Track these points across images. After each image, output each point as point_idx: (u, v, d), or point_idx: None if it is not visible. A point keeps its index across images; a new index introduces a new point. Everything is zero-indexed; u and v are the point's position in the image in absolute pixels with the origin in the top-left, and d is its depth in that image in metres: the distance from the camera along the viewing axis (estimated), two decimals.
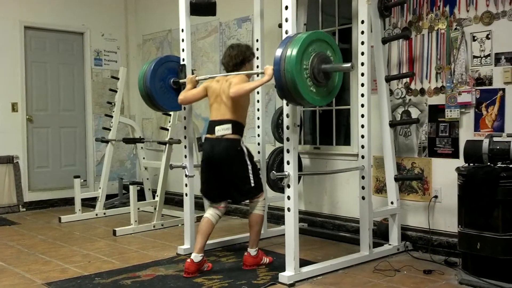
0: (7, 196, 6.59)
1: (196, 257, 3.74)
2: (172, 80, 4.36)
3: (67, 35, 7.21)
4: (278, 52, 3.22)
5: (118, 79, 6.43)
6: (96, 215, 6.21)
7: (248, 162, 3.81)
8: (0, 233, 5.36)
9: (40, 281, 3.67)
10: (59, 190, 7.03)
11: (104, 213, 6.29)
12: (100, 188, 6.34)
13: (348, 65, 3.29)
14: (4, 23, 6.59)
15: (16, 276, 3.81)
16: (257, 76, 3.94)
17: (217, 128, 3.77)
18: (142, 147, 6.67)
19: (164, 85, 4.36)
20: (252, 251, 3.91)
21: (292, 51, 3.16)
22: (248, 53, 3.94)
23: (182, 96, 4.08)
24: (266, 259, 3.99)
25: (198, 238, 3.81)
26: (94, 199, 6.41)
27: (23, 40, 6.77)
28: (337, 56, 3.45)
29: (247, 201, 3.96)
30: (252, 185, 3.81)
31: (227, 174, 3.81)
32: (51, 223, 5.91)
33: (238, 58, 3.86)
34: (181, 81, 4.29)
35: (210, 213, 3.91)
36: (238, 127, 3.80)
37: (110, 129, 6.42)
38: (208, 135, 3.85)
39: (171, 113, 5.71)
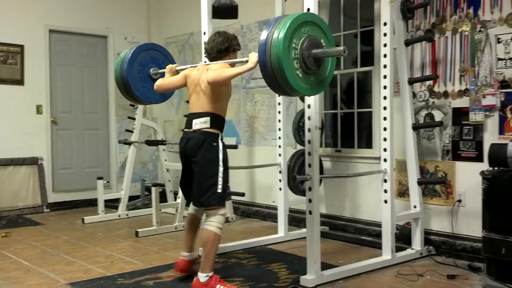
0: (31, 197, 6.70)
1: (187, 256, 3.71)
2: (151, 70, 4.09)
3: (91, 38, 7.31)
4: (266, 30, 2.96)
5: None
6: (119, 216, 6.28)
7: (221, 163, 3.42)
8: (25, 233, 5.45)
9: (64, 281, 3.72)
10: (83, 191, 7.12)
11: (127, 214, 6.35)
12: (122, 189, 6.40)
13: (340, 49, 3.02)
14: (30, 27, 6.70)
15: (40, 276, 3.87)
16: (243, 62, 3.43)
17: (194, 121, 3.46)
18: (164, 149, 6.72)
19: (142, 72, 4.07)
20: (202, 277, 3.31)
21: (282, 27, 2.88)
22: (235, 42, 3.62)
23: (159, 82, 3.75)
24: None
25: (186, 237, 3.73)
26: (117, 200, 6.47)
27: (48, 43, 6.88)
28: (330, 45, 3.17)
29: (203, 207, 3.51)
30: (218, 190, 3.37)
31: (196, 168, 3.44)
32: (75, 223, 5.99)
33: (223, 45, 3.53)
34: (160, 70, 4.07)
35: (193, 207, 3.73)
36: (217, 121, 3.48)
37: (132, 131, 6.48)
38: (186, 129, 3.53)
39: None
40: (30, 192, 6.70)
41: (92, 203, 6.79)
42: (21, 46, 6.63)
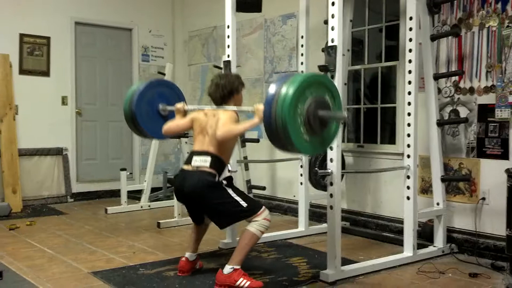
0: (56, 187, 6.81)
1: (190, 256, 3.69)
2: (160, 106, 4.07)
3: (116, 31, 7.37)
4: (271, 90, 2.89)
5: (164, 74, 6.53)
6: (141, 207, 6.35)
7: (228, 189, 3.41)
8: (49, 222, 5.54)
9: (87, 270, 3.78)
10: (106, 182, 7.21)
11: (149, 206, 6.42)
12: (145, 181, 6.47)
13: (344, 114, 2.96)
14: (56, 19, 6.79)
15: (64, 264, 3.94)
16: (249, 112, 3.43)
17: (194, 157, 3.45)
18: (186, 142, 6.72)
19: (151, 110, 4.05)
20: (227, 268, 3.34)
21: (288, 92, 2.81)
22: (237, 83, 3.58)
23: (166, 126, 3.77)
24: (244, 282, 3.29)
25: (193, 238, 3.73)
26: (140, 191, 6.55)
27: (73, 35, 6.96)
28: (336, 102, 3.08)
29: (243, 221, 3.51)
30: (244, 206, 3.37)
31: (205, 206, 3.46)
32: (98, 214, 6.07)
33: (225, 89, 3.52)
34: (168, 107, 4.06)
35: None
36: (218, 163, 3.42)
37: None
38: (184, 166, 3.52)
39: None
40: (55, 182, 6.81)
41: (115, 194, 6.88)
42: (48, 38, 6.73)
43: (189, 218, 3.75)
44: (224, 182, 3.42)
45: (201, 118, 3.59)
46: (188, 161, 3.50)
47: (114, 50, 7.39)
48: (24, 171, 6.48)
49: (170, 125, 3.78)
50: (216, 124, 3.40)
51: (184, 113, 3.82)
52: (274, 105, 2.83)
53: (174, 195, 3.77)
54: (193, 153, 3.50)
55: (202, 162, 3.41)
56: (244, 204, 3.38)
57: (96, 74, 7.23)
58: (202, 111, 3.65)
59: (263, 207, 3.46)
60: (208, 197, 3.37)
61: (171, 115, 4.02)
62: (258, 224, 3.37)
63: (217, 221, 3.52)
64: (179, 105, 3.84)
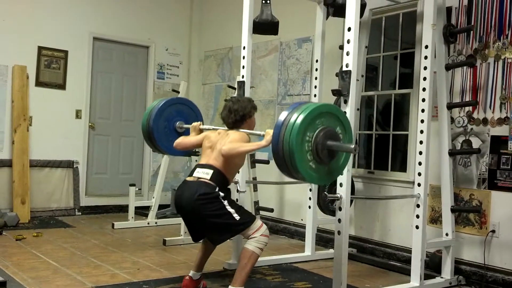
0: (64, 199, 6.83)
1: (194, 275, 3.66)
2: (177, 124, 4.21)
3: (133, 47, 7.46)
4: (282, 116, 2.93)
5: (178, 92, 6.57)
6: (148, 223, 6.34)
7: (223, 201, 3.39)
8: (56, 234, 5.54)
9: (90, 284, 3.76)
10: (115, 197, 7.22)
11: (156, 222, 6.40)
12: (153, 197, 6.47)
13: (352, 146, 2.96)
14: (74, 33, 6.88)
15: (68, 278, 3.92)
16: (260, 135, 3.47)
17: (197, 169, 3.48)
18: (196, 160, 6.75)
19: (168, 127, 4.19)
20: None
21: (297, 119, 2.84)
22: (249, 107, 3.62)
23: (179, 140, 3.85)
24: None
25: (199, 257, 3.71)
26: (147, 207, 6.54)
27: (91, 50, 7.05)
28: (347, 135, 3.10)
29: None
30: (237, 219, 3.36)
31: (199, 218, 3.43)
32: (105, 228, 6.07)
33: (238, 114, 3.56)
34: (185, 125, 4.20)
35: None
36: (220, 178, 3.42)
37: None
38: (187, 178, 3.54)
39: None
40: (64, 195, 6.83)
41: (123, 209, 6.88)
42: (65, 52, 6.82)
43: None
44: (222, 194, 3.40)
45: (212, 136, 3.64)
46: (191, 173, 3.53)
47: (130, 67, 7.47)
48: (34, 182, 6.51)
49: (182, 140, 3.86)
50: (225, 142, 3.44)
51: (199, 131, 3.88)
52: (283, 130, 2.86)
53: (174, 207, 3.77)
54: (197, 166, 3.54)
55: (203, 174, 3.43)
56: (237, 217, 3.37)
57: (111, 89, 7.30)
58: (216, 131, 3.71)
59: (260, 222, 3.45)
60: (202, 207, 3.35)
61: (186, 132, 4.13)
62: (256, 241, 3.36)
63: (210, 235, 3.52)
64: (196, 124, 3.93)
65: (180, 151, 4.21)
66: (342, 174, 3.35)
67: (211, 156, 3.53)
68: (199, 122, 3.96)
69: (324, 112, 2.98)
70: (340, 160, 3.12)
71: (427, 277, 4.09)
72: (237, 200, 4.36)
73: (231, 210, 3.38)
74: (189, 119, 4.23)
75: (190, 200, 3.37)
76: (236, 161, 3.55)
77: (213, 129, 3.83)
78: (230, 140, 3.41)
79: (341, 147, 3.01)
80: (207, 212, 3.36)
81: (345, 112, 3.37)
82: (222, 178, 3.45)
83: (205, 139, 3.67)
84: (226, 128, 3.66)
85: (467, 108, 4.38)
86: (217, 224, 3.40)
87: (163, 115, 4.17)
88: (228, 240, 3.68)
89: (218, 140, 3.55)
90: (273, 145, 2.92)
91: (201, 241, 3.74)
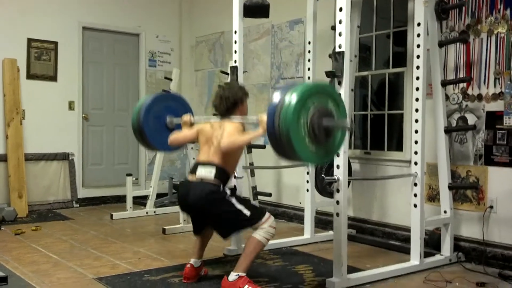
0: (62, 192, 6.82)
1: (196, 262, 3.67)
2: (167, 119, 4.13)
3: (123, 36, 7.39)
4: (274, 99, 2.90)
5: (171, 80, 6.53)
6: (147, 213, 6.34)
7: (231, 199, 3.39)
8: (55, 227, 5.54)
9: (91, 276, 3.76)
10: (112, 188, 7.21)
11: (154, 212, 6.40)
12: (151, 186, 6.46)
13: (346, 122, 2.97)
14: (63, 24, 6.82)
15: (68, 270, 3.92)
16: (254, 122, 3.42)
17: (199, 168, 3.44)
18: (192, 148, 6.71)
19: (158, 123, 4.10)
20: (232, 275, 3.31)
21: (290, 103, 2.81)
22: (241, 93, 3.57)
23: (172, 137, 3.80)
24: None
25: (198, 244, 3.71)
26: (145, 197, 6.54)
27: (81, 40, 6.98)
28: (340, 108, 3.08)
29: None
30: (248, 215, 3.36)
31: (209, 217, 3.47)
32: (103, 219, 6.07)
33: (229, 101, 3.52)
34: (175, 119, 4.10)
35: None
36: (223, 174, 3.41)
37: None
38: (189, 176, 3.51)
39: None
40: (61, 187, 6.81)
41: (121, 199, 6.88)
42: (55, 43, 6.75)
43: None
44: (228, 192, 3.40)
45: (207, 129, 3.59)
46: (193, 171, 3.50)
47: (121, 55, 7.41)
48: (30, 176, 6.49)
49: (176, 136, 3.80)
50: (221, 135, 3.40)
51: (191, 125, 3.85)
52: (277, 116, 2.83)
53: (178, 205, 3.77)
54: (198, 164, 3.50)
55: (206, 173, 3.40)
56: (247, 212, 3.37)
57: (103, 79, 7.25)
58: (209, 123, 3.65)
59: (268, 214, 3.44)
60: (211, 208, 3.37)
61: (178, 127, 4.04)
62: (264, 232, 3.36)
63: (220, 231, 3.51)
64: (186, 117, 3.87)
65: (175, 147, 4.17)
66: (339, 152, 3.33)
67: (210, 152, 3.49)
68: (189, 115, 3.90)
69: (314, 92, 2.97)
70: (337, 138, 3.10)
71: (426, 255, 4.11)
72: (234, 186, 4.36)
73: (240, 207, 3.37)
74: (178, 113, 4.12)
75: (198, 201, 3.37)
76: (236, 153, 3.54)
77: (205, 120, 3.78)
78: (227, 134, 3.37)
79: (335, 124, 3.00)
80: (217, 211, 3.37)
81: (333, 86, 3.33)
82: (225, 173, 3.43)
83: (200, 134, 3.62)
84: (218, 118, 3.61)
85: (461, 85, 4.36)
86: (228, 221, 3.41)
87: (152, 112, 4.06)
88: None
89: (213, 134, 3.51)
90: (269, 132, 2.90)
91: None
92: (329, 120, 2.96)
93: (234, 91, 3.57)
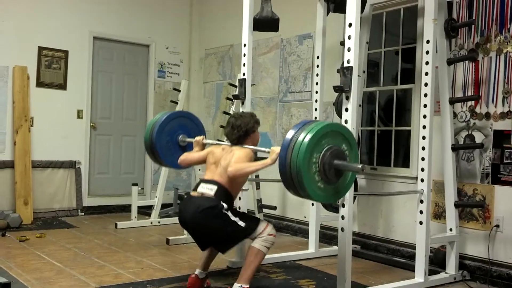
0: (67, 200, 6.83)
1: (201, 273, 3.66)
2: (180, 137, 4.19)
3: (133, 46, 7.44)
4: (289, 135, 2.92)
5: (179, 91, 6.56)
6: (151, 223, 6.33)
7: (227, 213, 3.37)
8: (59, 235, 5.54)
9: (94, 285, 3.76)
10: (117, 197, 7.22)
11: (159, 222, 6.40)
12: (156, 197, 6.46)
13: (359, 166, 2.92)
14: (74, 33, 6.88)
15: (72, 278, 3.92)
16: (265, 152, 3.42)
17: (202, 184, 3.48)
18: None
19: (170, 141, 4.17)
20: (235, 286, 3.34)
21: (304, 140, 2.84)
22: (252, 122, 3.61)
23: (183, 156, 3.84)
24: None
25: (206, 256, 3.71)
26: (150, 207, 6.53)
27: (91, 49, 7.04)
28: (353, 152, 3.08)
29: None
30: (243, 226, 3.37)
31: (205, 232, 3.44)
32: (108, 228, 6.07)
33: (241, 130, 3.55)
34: (187, 139, 4.17)
35: None
36: (224, 194, 3.41)
37: None
38: (192, 192, 3.54)
39: None
40: (66, 195, 6.82)
41: (126, 208, 6.89)
42: (66, 52, 6.80)
43: None
44: (225, 206, 3.38)
45: (217, 151, 3.62)
46: (196, 188, 3.52)
47: (131, 66, 7.46)
48: (37, 183, 6.51)
49: (186, 157, 3.85)
50: (230, 159, 3.41)
51: (203, 146, 3.89)
52: (290, 151, 2.86)
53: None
54: (201, 181, 3.53)
55: (207, 189, 3.42)
56: (242, 224, 3.38)
57: (112, 88, 7.29)
58: (220, 146, 3.69)
59: (266, 222, 3.46)
60: (206, 223, 3.36)
61: (189, 146, 4.11)
62: (263, 240, 3.38)
63: (217, 246, 3.52)
64: (198, 138, 3.94)
65: (184, 167, 4.18)
66: (347, 193, 3.29)
67: (215, 172, 3.51)
68: (202, 137, 3.96)
69: (330, 131, 2.96)
70: (347, 178, 3.09)
71: (431, 272, 4.08)
72: (240, 199, 4.36)
73: (235, 219, 3.38)
74: (191, 133, 4.22)
75: (194, 215, 3.37)
76: (240, 178, 3.53)
77: (217, 143, 3.84)
78: (236, 159, 3.37)
79: (348, 166, 2.99)
80: (212, 226, 3.36)
81: (346, 125, 3.33)
82: (226, 194, 3.44)
83: (209, 154, 3.66)
84: (229, 143, 3.65)
85: (469, 103, 4.36)
86: (224, 234, 3.40)
87: (166, 129, 4.13)
88: None
89: (223, 156, 3.53)
90: (281, 167, 2.92)
91: None
92: (341, 162, 2.94)
93: (246, 121, 3.60)
